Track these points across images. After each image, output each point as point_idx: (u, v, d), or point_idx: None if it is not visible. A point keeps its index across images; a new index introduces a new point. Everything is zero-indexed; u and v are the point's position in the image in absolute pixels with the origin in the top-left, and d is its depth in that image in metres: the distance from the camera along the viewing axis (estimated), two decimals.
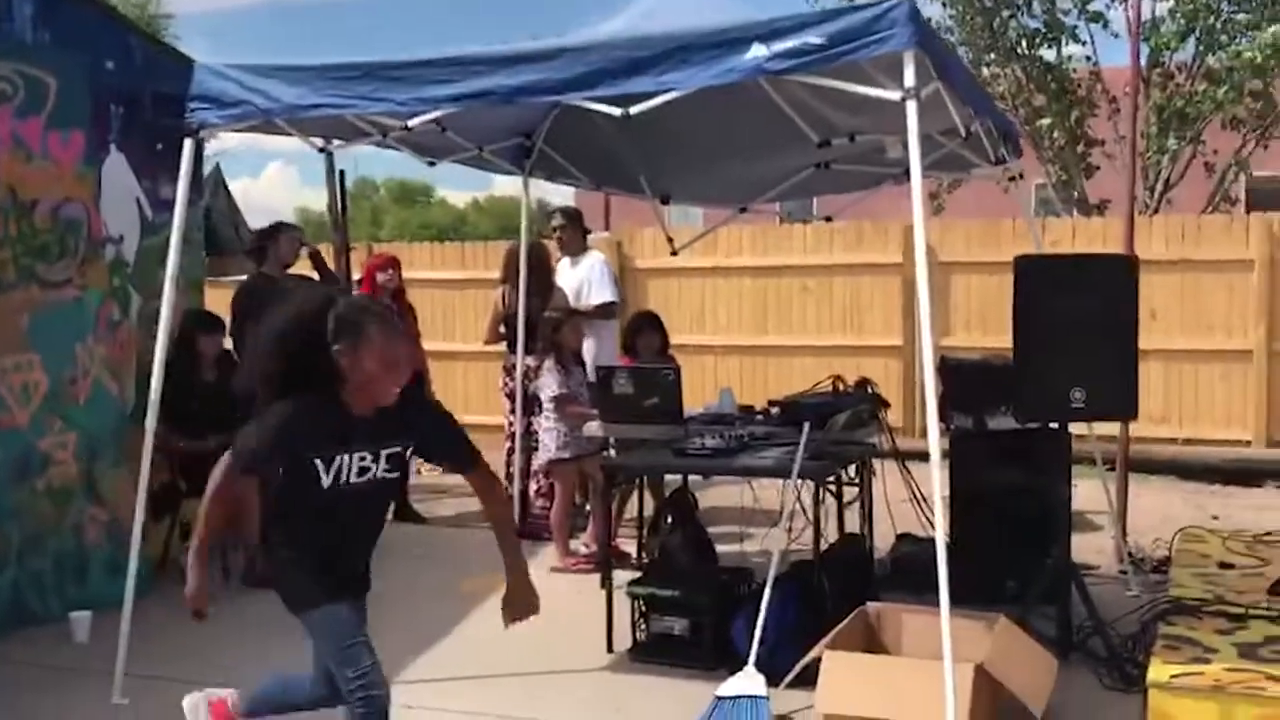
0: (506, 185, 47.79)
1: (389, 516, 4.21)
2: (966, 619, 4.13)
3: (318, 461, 3.22)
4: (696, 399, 6.75)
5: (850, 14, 3.69)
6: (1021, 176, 6.22)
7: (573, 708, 4.48)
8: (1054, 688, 4.10)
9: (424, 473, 9.62)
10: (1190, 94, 11.67)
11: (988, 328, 9.51)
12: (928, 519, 4.67)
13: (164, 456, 6.07)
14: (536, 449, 6.81)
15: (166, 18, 18.36)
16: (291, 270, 7.38)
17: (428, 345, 8.53)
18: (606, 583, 5.20)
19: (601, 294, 7.48)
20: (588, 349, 6.96)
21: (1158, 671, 3.98)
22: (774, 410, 5.86)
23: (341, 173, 7.74)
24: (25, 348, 5.50)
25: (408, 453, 3.41)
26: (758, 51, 3.70)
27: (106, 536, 5.81)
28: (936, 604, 3.81)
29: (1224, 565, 5.42)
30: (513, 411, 7.35)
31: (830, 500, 5.72)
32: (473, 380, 10.76)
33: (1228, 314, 9.68)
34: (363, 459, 3.28)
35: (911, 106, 3.73)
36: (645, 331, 6.78)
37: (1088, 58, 12.48)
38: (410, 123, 4.44)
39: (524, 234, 6.99)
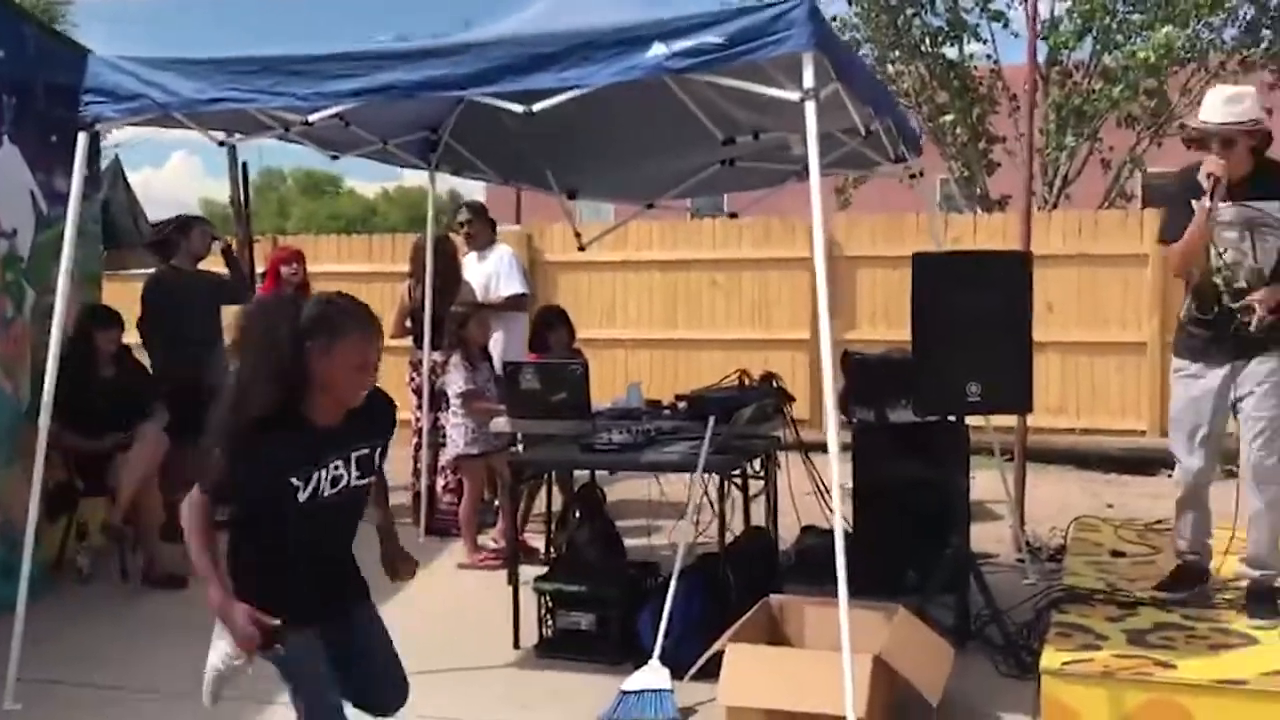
0: (416, 176, 47.21)
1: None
2: (866, 610, 4.20)
3: (294, 480, 3.02)
4: (607, 392, 6.78)
5: (750, 14, 3.72)
6: (921, 174, 6.33)
7: (478, 705, 4.48)
8: (951, 675, 4.19)
9: None
10: (1088, 92, 11.95)
11: (892, 321, 9.67)
12: (831, 511, 4.74)
13: (60, 455, 5.95)
14: (444, 445, 6.78)
15: (65, 3, 17.89)
16: (202, 264, 7.29)
17: None
18: (513, 579, 5.20)
19: (511, 286, 7.46)
20: (495, 344, 6.95)
21: (1050, 658, 4.10)
22: (681, 405, 5.90)
23: (244, 165, 7.64)
24: None
25: (378, 454, 3.24)
26: (658, 50, 3.72)
27: None
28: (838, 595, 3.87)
29: (1116, 554, 5.59)
30: (419, 407, 7.30)
31: (736, 494, 5.78)
32: (380, 375, 10.60)
33: (1123, 307, 9.96)
34: (336, 468, 3.10)
35: (810, 107, 3.78)
36: (554, 327, 6.79)
37: (989, 56, 12.73)
38: (312, 118, 4.39)
39: (430, 227, 6.94)
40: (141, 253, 7.60)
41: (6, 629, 4.58)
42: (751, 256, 10.78)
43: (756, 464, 5.83)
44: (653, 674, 4.40)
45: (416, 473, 7.27)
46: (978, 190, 12.81)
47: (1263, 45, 11.52)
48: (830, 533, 4.66)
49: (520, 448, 6.20)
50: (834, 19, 12.97)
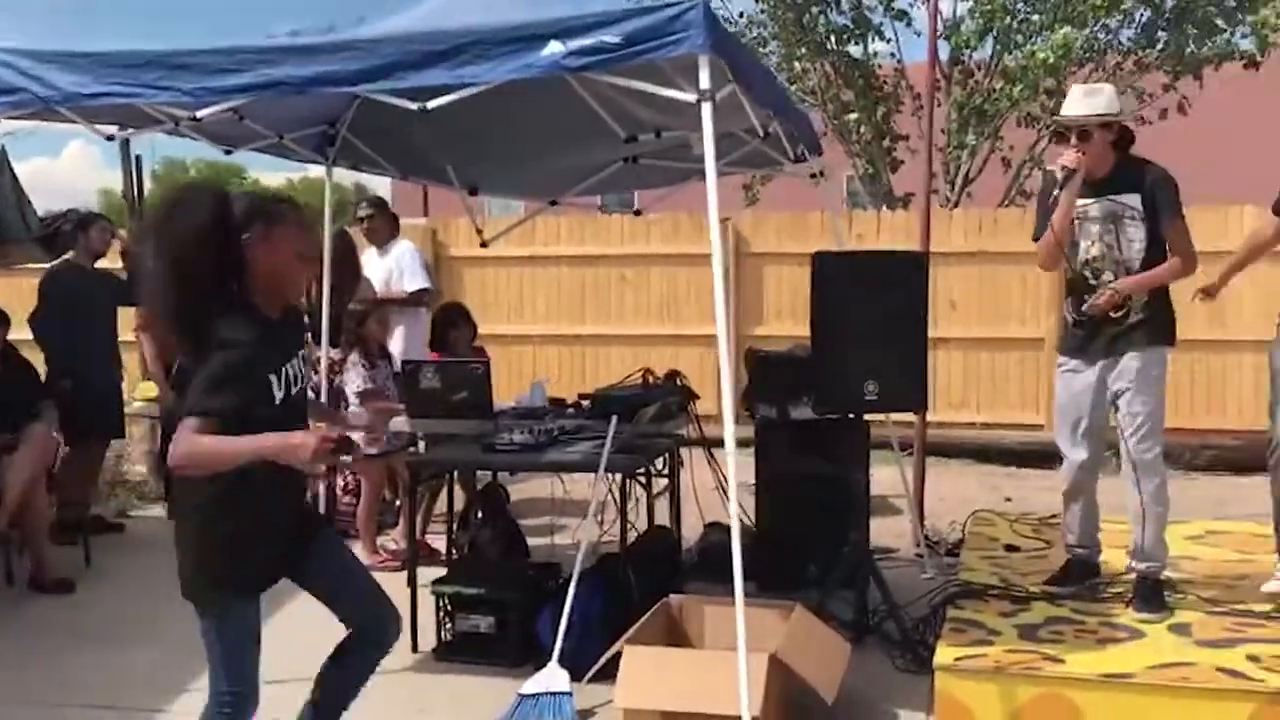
0: (323, 168, 46.47)
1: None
2: (763, 608, 4.23)
3: (271, 376, 2.95)
4: (515, 389, 6.73)
5: (647, 15, 3.70)
6: (823, 174, 6.37)
7: (375, 710, 4.38)
8: (848, 672, 4.23)
9: None
10: (989, 91, 12.13)
11: (799, 318, 9.66)
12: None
13: None
14: None
15: None
16: (101, 262, 7.13)
17: None
18: (412, 581, 5.13)
19: (414, 281, 7.37)
20: (395, 342, 6.86)
21: (944, 654, 4.15)
22: (584, 403, 5.88)
23: (138, 158, 7.48)
24: None
25: (303, 363, 3.16)
26: (554, 48, 3.68)
27: None
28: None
29: (1011, 548, 5.69)
30: None
31: (641, 492, 5.77)
32: None
33: (1022, 304, 10.15)
34: (293, 365, 3.04)
35: (707, 108, 3.78)
36: (456, 325, 6.72)
37: (893, 55, 12.86)
38: (201, 113, 4.28)
39: (327, 223, 6.82)
40: (29, 247, 7.37)
41: None
42: (660, 252, 10.79)
43: (661, 462, 5.83)
44: (551, 677, 4.38)
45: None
46: (882, 187, 12.95)
47: (1158, 46, 11.79)
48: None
49: (421, 448, 6.13)
50: (741, 15, 13.04)
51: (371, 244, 7.51)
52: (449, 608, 4.96)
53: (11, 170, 7.79)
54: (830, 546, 5.25)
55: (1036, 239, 4.82)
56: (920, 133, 11.86)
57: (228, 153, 5.90)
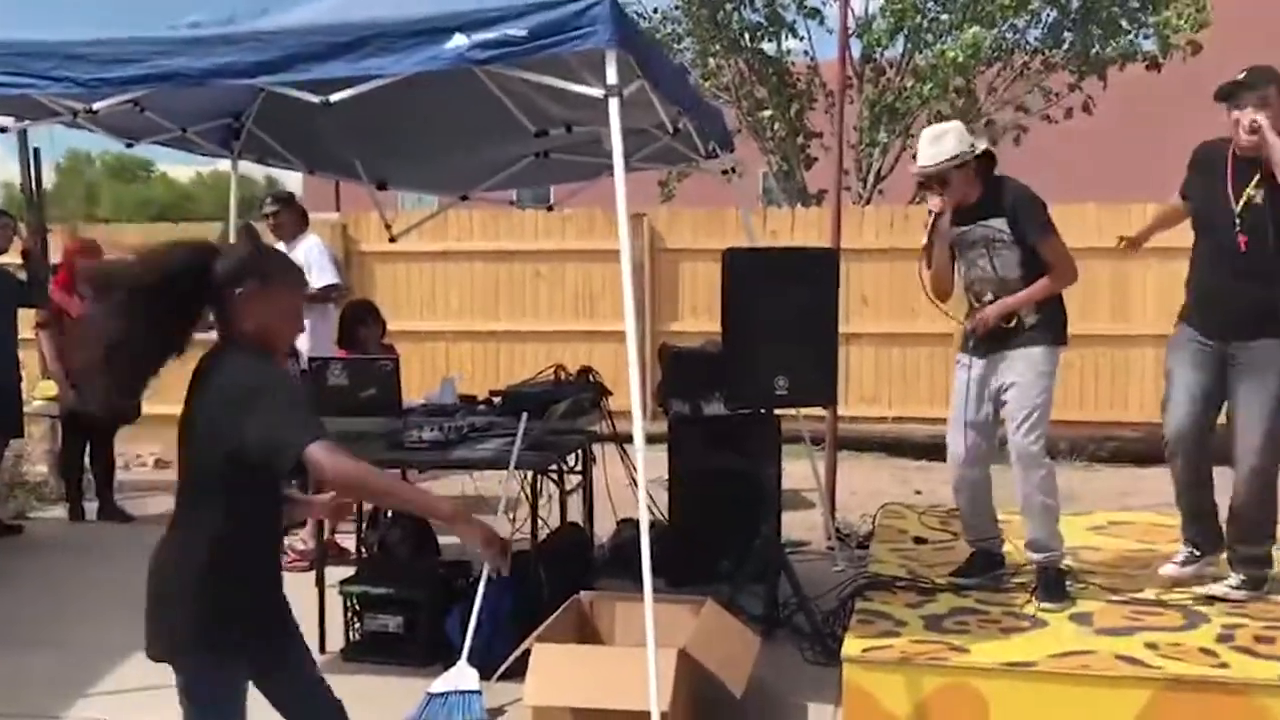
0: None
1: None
2: (673, 604, 4.24)
3: None
4: (428, 385, 6.67)
5: (553, 8, 3.68)
6: (735, 170, 6.39)
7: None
8: (757, 665, 4.25)
9: (132, 468, 9.16)
10: (900, 90, 12.27)
11: (714, 314, 9.59)
12: (649, 505, 4.76)
13: None
14: None
15: None
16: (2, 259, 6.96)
17: None
18: (320, 581, 5.06)
19: (322, 277, 7.25)
20: (302, 339, 6.74)
21: (851, 646, 4.19)
22: (496, 400, 5.85)
23: (36, 151, 7.27)
24: None
25: None
26: (459, 41, 3.64)
27: None
28: (653, 589, 3.87)
29: (919, 540, 5.76)
30: None
31: (553, 489, 5.75)
32: (187, 370, 10.24)
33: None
34: None
35: (614, 103, 3.77)
36: (365, 322, 6.61)
37: (806, 52, 12.96)
38: (96, 105, 4.17)
39: (233, 217, 6.70)
40: None
41: None
42: (575, 248, 10.76)
43: (574, 459, 5.81)
44: (460, 675, 4.35)
45: None
46: (796, 185, 13.04)
47: (1064, 46, 12.02)
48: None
49: None
50: (655, 11, 13.04)
51: (279, 240, 7.38)
52: (357, 607, 4.90)
53: None
54: (742, 541, 5.28)
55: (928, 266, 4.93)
56: (833, 130, 12.01)
57: (129, 145, 5.78)
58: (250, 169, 6.43)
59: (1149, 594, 4.74)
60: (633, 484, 5.86)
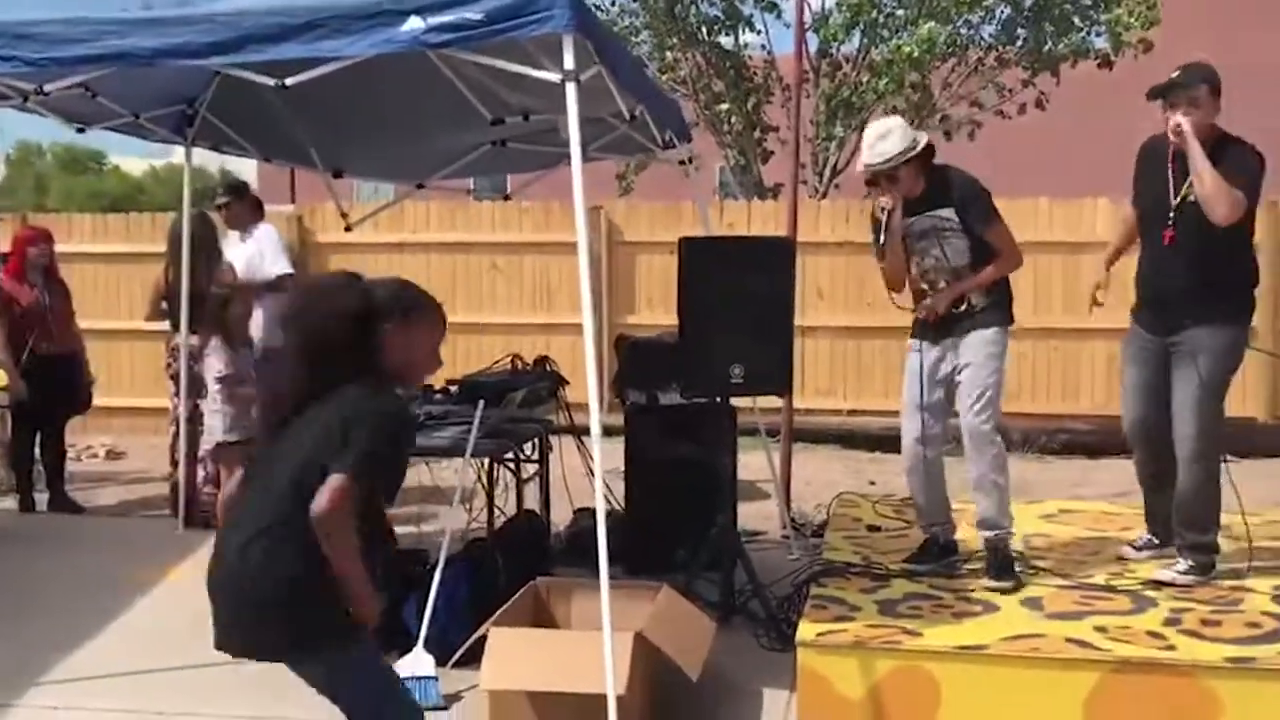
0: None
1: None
2: (629, 589, 4.25)
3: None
4: None
5: None
6: (691, 161, 6.41)
7: (233, 700, 4.31)
8: (713, 650, 4.27)
9: (84, 459, 9.07)
10: (856, 84, 12.33)
11: (671, 306, 9.67)
12: (605, 493, 4.77)
13: None
14: (203, 433, 6.49)
15: None
16: None
17: (89, 323, 8.04)
18: None
19: (277, 266, 7.20)
20: (256, 327, 6.69)
21: (806, 630, 4.22)
22: (452, 389, 5.82)
23: None
24: None
25: None
26: (414, 24, 3.63)
27: None
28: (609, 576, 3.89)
29: (873, 528, 5.81)
30: (177, 394, 6.99)
31: (511, 478, 5.75)
32: (139, 360, 10.19)
33: (883, 291, 10.31)
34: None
35: (571, 89, 3.77)
36: None
37: (763, 46, 12.99)
38: (46, 88, 4.11)
39: (186, 205, 6.63)
40: None
41: None
42: (533, 240, 10.73)
43: (530, 448, 5.81)
44: (417, 661, 4.34)
45: (175, 462, 6.97)
46: (753, 178, 13.07)
47: (1018, 43, 12.13)
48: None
49: None
50: (613, 3, 13.02)
51: (233, 229, 7.32)
52: None
53: None
54: (698, 530, 5.30)
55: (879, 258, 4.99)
56: (790, 123, 12.06)
57: (80, 131, 5.72)
58: (206, 163, 6.39)
59: (1099, 579, 4.81)
60: (589, 473, 5.87)
